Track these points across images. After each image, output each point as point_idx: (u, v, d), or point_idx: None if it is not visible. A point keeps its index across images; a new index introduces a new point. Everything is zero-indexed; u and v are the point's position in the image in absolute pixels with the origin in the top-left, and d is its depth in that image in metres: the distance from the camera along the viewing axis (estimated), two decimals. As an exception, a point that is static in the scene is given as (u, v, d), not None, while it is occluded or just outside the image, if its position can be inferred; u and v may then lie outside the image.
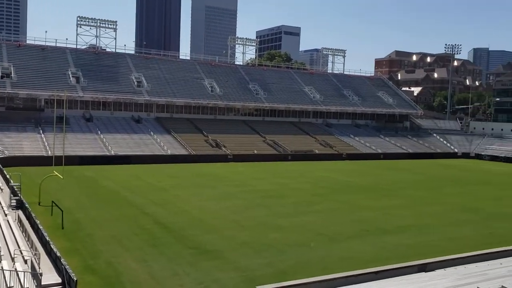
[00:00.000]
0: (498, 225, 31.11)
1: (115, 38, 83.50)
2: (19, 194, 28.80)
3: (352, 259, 22.36)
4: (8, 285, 15.44)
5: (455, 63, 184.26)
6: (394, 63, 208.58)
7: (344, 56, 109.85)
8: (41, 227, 21.92)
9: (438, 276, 14.48)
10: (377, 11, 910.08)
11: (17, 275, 16.23)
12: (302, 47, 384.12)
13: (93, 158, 55.87)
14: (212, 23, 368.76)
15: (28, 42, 79.95)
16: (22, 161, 49.78)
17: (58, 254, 18.28)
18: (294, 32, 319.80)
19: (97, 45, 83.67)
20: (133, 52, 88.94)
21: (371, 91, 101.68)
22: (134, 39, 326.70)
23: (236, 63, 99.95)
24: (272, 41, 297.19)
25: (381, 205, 36.81)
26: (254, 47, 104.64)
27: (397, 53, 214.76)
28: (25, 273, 16.49)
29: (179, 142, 66.41)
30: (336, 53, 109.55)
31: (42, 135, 59.30)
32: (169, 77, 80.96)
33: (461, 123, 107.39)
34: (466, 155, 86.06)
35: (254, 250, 23.47)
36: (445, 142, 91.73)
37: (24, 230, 22.29)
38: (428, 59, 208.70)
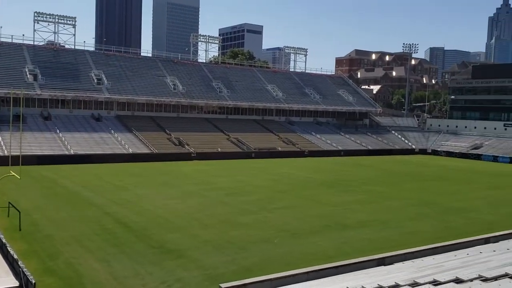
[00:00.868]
0: (453, 219, 32.34)
1: (74, 35, 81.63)
2: (-27, 196, 27.80)
3: (314, 255, 22.73)
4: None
5: (413, 62, 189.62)
6: (354, 61, 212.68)
7: (305, 55, 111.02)
8: (-3, 229, 21.27)
9: (396, 269, 14.89)
10: (338, 10, 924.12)
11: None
12: (265, 45, 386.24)
13: (51, 157, 54.39)
14: (174, 20, 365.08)
15: (-19, 37, 76.99)
16: (-25, 161, 47.82)
17: (15, 256, 17.79)
18: (257, 31, 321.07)
19: (56, 41, 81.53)
20: (93, 48, 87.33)
21: (332, 90, 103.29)
22: (94, 36, 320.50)
23: (199, 60, 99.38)
24: (235, 39, 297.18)
25: (342, 200, 37.58)
26: (217, 45, 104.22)
27: (357, 52, 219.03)
28: (-20, 277, 16.00)
29: (141, 141, 65.49)
30: (298, 52, 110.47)
31: (-3, 134, 57.23)
32: (130, 74, 79.63)
33: (418, 120, 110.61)
34: (423, 151, 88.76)
35: (217, 248, 23.52)
36: (403, 138, 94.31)
37: (-22, 233, 21.55)
38: (387, 58, 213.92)
